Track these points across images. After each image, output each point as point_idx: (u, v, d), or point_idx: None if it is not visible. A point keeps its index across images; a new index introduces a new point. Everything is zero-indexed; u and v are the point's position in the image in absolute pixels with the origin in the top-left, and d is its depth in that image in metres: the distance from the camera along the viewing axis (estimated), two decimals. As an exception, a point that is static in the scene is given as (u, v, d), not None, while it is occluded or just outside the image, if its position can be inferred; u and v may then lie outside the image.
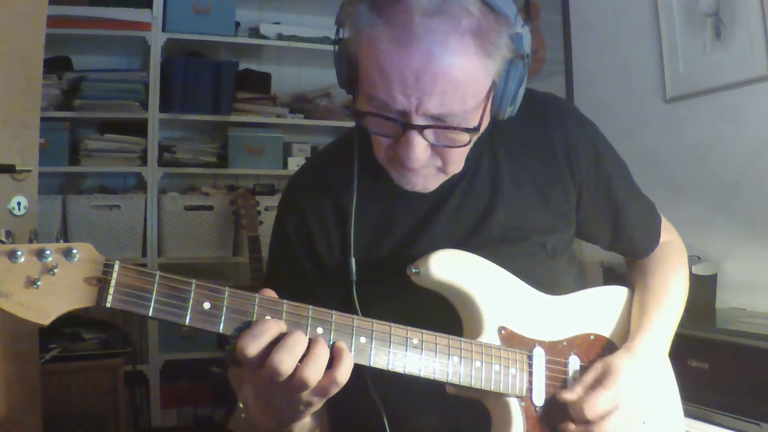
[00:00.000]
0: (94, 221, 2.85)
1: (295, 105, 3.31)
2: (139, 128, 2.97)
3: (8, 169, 1.75)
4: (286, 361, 0.72)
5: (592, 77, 2.69)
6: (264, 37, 3.19)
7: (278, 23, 3.30)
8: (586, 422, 0.90)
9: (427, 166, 0.88)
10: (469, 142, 0.85)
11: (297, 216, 1.00)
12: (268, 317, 0.74)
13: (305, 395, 0.76)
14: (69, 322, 2.65)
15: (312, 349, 0.74)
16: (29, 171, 1.80)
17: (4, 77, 1.75)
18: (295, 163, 3.23)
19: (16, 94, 1.80)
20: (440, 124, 0.82)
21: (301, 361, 0.73)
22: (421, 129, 0.81)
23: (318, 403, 0.79)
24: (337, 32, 0.87)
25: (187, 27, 3.00)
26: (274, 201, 3.07)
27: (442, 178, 0.92)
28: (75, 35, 2.82)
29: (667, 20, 2.27)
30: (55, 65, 2.87)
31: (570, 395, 0.91)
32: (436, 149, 0.86)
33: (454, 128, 0.82)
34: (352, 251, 0.95)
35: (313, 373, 0.73)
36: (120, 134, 2.96)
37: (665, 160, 2.30)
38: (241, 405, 2.42)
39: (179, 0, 2.98)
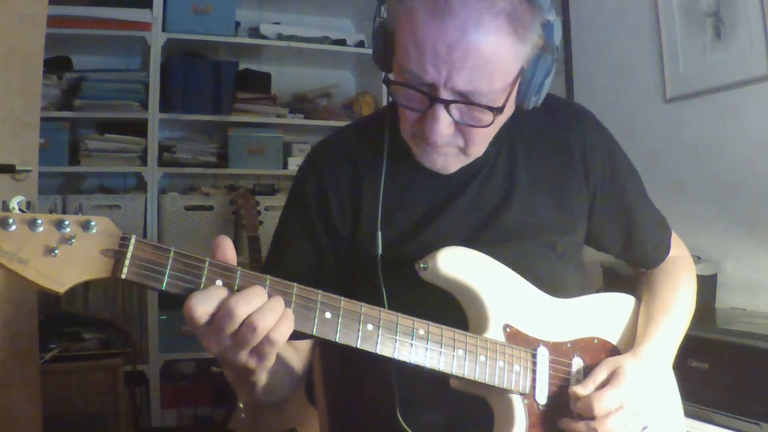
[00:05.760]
0: (94, 221, 2.85)
1: (295, 105, 3.31)
2: (139, 128, 2.96)
3: (8, 169, 1.76)
4: (241, 306, 0.70)
5: (592, 77, 2.69)
6: (264, 37, 3.19)
7: (278, 23, 3.30)
8: (590, 419, 0.90)
9: (448, 145, 0.90)
10: (492, 123, 0.87)
11: (316, 179, 1.02)
12: (219, 281, 0.73)
13: (243, 354, 0.74)
14: (69, 322, 2.65)
15: (268, 302, 0.73)
16: (29, 171, 1.80)
17: (4, 77, 1.75)
18: (295, 163, 3.22)
19: (16, 94, 1.80)
20: (466, 100, 0.84)
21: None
22: (447, 104, 0.84)
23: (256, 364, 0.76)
24: (378, 9, 0.90)
25: (187, 27, 3.00)
26: (274, 201, 3.07)
27: (462, 161, 0.94)
28: (75, 35, 2.82)
29: (667, 20, 2.27)
30: (55, 65, 2.86)
31: (582, 390, 0.91)
32: (460, 128, 0.88)
33: (480, 105, 0.84)
34: (379, 225, 0.96)
35: (261, 321, 0.71)
36: (120, 134, 2.96)
37: (665, 160, 2.30)
38: (241, 405, 2.42)
39: (179, 0, 2.98)
